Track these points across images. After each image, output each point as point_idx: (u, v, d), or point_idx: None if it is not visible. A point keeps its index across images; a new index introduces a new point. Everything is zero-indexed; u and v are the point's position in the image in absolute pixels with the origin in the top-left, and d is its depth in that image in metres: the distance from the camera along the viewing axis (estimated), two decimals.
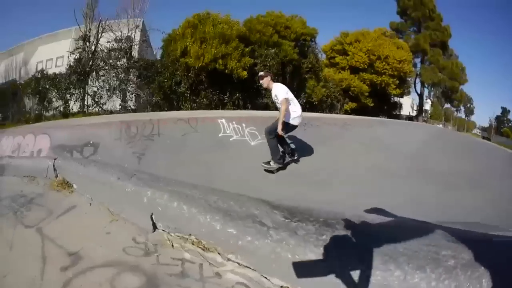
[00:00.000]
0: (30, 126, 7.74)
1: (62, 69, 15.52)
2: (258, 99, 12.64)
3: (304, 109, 14.55)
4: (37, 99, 14.47)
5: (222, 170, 4.13)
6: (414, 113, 34.31)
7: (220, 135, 5.57)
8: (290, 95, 4.30)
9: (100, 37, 14.62)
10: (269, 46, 13.17)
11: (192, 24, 12.84)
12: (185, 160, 4.57)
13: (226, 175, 3.90)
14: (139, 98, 12.47)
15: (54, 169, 3.76)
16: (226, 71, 11.58)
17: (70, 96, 13.56)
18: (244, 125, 5.82)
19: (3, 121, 16.03)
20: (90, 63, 13.82)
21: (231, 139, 5.56)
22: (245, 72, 11.78)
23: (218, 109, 11.34)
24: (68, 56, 14.55)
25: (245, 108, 11.99)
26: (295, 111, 4.35)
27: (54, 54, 20.78)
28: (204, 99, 11.50)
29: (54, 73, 14.31)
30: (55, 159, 3.88)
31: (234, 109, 11.47)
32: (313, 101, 14.56)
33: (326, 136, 7.93)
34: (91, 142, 4.65)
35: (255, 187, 3.78)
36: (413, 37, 30.88)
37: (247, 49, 12.35)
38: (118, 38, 14.19)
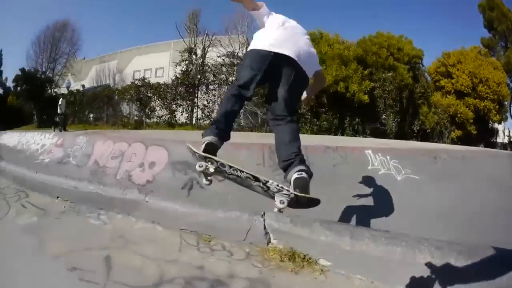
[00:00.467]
0: (133, 132, 7.66)
1: (163, 80, 16.11)
2: (376, 124, 11.95)
3: (417, 137, 13.57)
4: (137, 105, 15.14)
5: (383, 211, 3.42)
6: (506, 140, 30.83)
7: (369, 167, 5.01)
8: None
9: (207, 51, 15.00)
10: (385, 69, 12.49)
11: None
12: (344, 196, 3.75)
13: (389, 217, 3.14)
14: (256, 116, 12.45)
15: (266, 232, 2.34)
16: (348, 94, 11.09)
17: (176, 107, 13.96)
18: (388, 157, 5.23)
19: (95, 121, 17.36)
20: (199, 76, 14.07)
21: (379, 173, 5.09)
22: (366, 96, 11.21)
23: (338, 134, 10.88)
24: (175, 68, 15.00)
25: (364, 134, 11.38)
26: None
27: (152, 64, 22.02)
28: (325, 122, 11.12)
29: (158, 83, 14.81)
30: (263, 214, 2.45)
31: (353, 135, 10.92)
32: (426, 128, 13.54)
33: (451, 170, 7.38)
34: None
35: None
36: (503, 54, 27.95)
37: (366, 71, 11.79)
38: (229, 53, 14.31)
